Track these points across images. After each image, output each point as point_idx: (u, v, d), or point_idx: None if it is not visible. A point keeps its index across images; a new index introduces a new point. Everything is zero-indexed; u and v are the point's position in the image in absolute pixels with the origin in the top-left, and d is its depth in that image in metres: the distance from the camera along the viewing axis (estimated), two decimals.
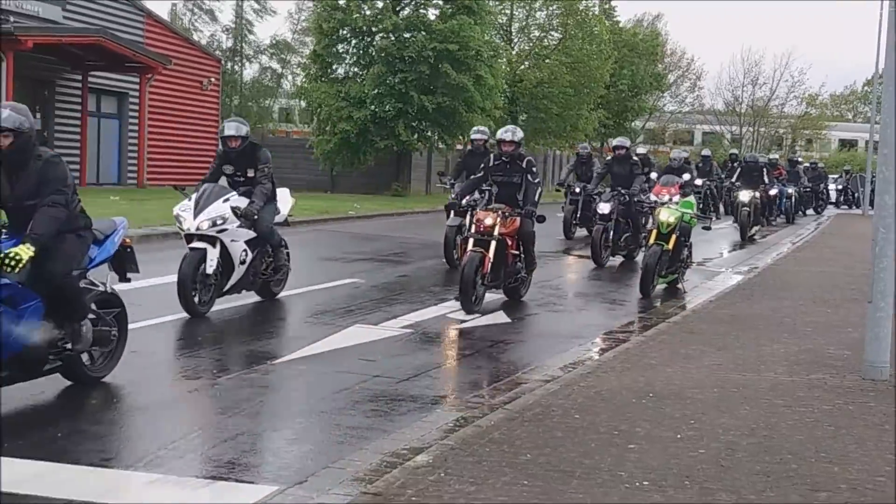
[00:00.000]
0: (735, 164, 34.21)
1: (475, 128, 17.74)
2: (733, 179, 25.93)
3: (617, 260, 17.19)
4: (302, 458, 6.01)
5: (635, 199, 16.59)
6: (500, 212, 11.52)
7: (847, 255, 19.30)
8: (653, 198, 19.54)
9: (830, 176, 45.27)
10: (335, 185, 37.53)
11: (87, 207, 7.23)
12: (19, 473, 5.40)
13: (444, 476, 5.34)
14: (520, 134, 12.14)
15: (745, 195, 23.44)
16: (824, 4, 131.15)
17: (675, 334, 10.11)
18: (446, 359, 9.03)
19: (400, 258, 16.78)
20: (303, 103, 40.86)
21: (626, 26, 60.20)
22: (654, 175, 23.84)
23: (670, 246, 13.47)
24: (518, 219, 11.71)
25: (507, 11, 47.23)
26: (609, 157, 18.44)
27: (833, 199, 44.58)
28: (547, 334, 10.75)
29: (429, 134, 36.33)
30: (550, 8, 47.42)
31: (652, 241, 13.55)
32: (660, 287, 13.72)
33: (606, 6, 55.11)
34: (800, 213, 35.14)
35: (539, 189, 12.13)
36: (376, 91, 34.07)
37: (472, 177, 13.06)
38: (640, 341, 9.79)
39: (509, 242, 11.60)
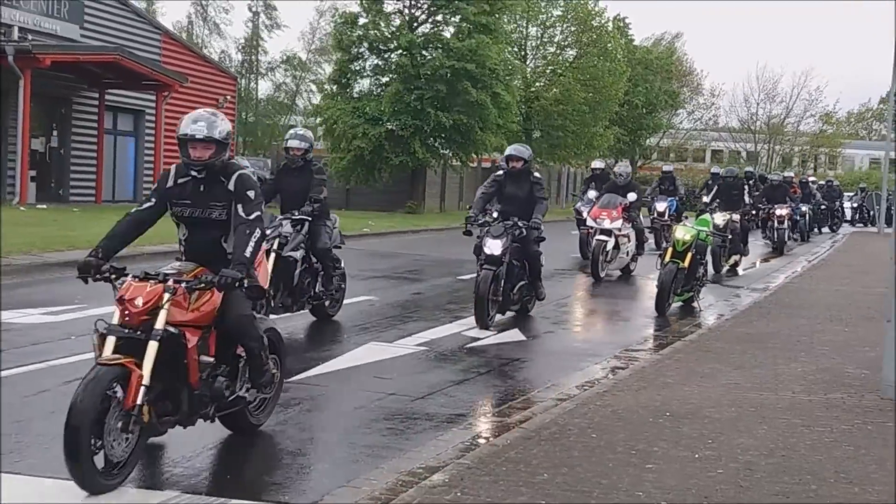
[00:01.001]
0: (752, 183, 34.13)
1: (291, 131, 11.86)
2: (707, 199, 20.73)
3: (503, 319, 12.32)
4: (317, 476, 6.00)
5: (536, 234, 12.10)
6: (171, 281, 5.88)
7: (863, 274, 19.20)
8: (590, 223, 17.63)
9: (846, 194, 45.21)
10: (350, 202, 37.59)
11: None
12: (30, 491, 5.40)
13: (460, 495, 5.31)
14: (222, 126, 6.29)
15: (719, 218, 18.54)
16: (841, 22, 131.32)
17: (691, 353, 10.06)
18: (462, 377, 9.02)
19: (415, 276, 16.77)
20: (318, 120, 41.02)
21: (642, 45, 60.33)
22: (592, 194, 20.27)
23: (686, 264, 13.43)
24: (213, 294, 6.10)
25: (523, 29, 47.34)
26: (500, 174, 12.58)
27: (848, 217, 44.50)
28: (562, 352, 10.71)
29: (443, 151, 36.41)
30: (565, 24, 47.54)
31: (668, 259, 13.50)
32: (675, 305, 13.67)
33: (620, 23, 55.23)
34: (815, 231, 34.91)
35: (258, 232, 6.19)
36: (393, 108, 34.16)
37: (136, 210, 6.60)
38: (655, 359, 9.75)
39: (191, 341, 5.94)
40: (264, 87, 66.97)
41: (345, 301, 12.05)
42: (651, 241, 21.12)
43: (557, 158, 47.53)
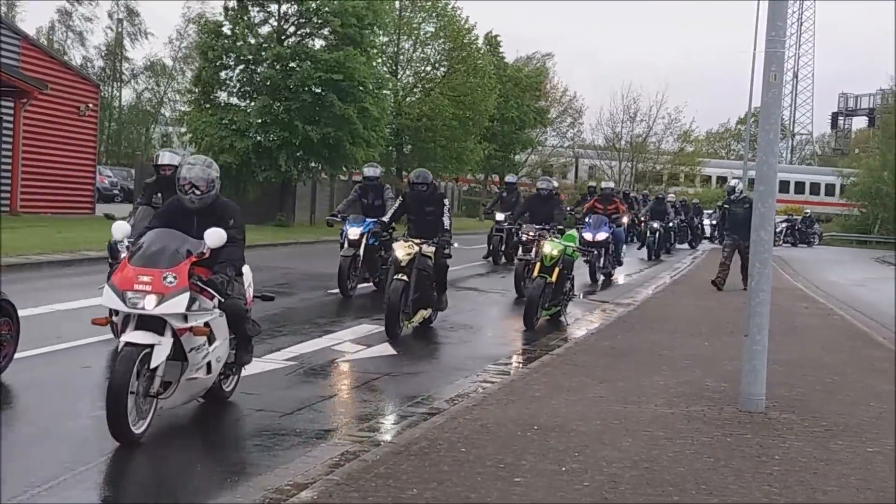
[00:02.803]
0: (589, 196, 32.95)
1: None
2: (386, 219, 14.15)
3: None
4: (181, 495, 5.86)
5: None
6: None
7: (724, 291, 19.81)
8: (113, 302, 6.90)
9: (705, 211, 46.74)
10: None
11: None
12: None
13: None
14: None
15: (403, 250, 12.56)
16: (700, 44, 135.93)
17: (558, 366, 10.21)
18: (331, 392, 8.94)
19: (284, 289, 16.56)
20: (183, 129, 40.32)
21: (514, 63, 61.30)
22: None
23: (553, 278, 13.64)
24: None
25: (395, 44, 47.52)
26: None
27: (708, 234, 46.00)
28: (432, 366, 10.73)
29: (312, 164, 36.16)
30: (438, 41, 47.91)
31: (536, 273, 13.69)
32: (543, 319, 13.86)
33: (493, 40, 56.04)
34: (668, 247, 33.96)
35: None
36: (261, 120, 33.79)
37: None
38: (524, 373, 9.86)
39: None
40: (128, 96, 65.65)
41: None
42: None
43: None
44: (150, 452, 6.68)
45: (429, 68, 48.39)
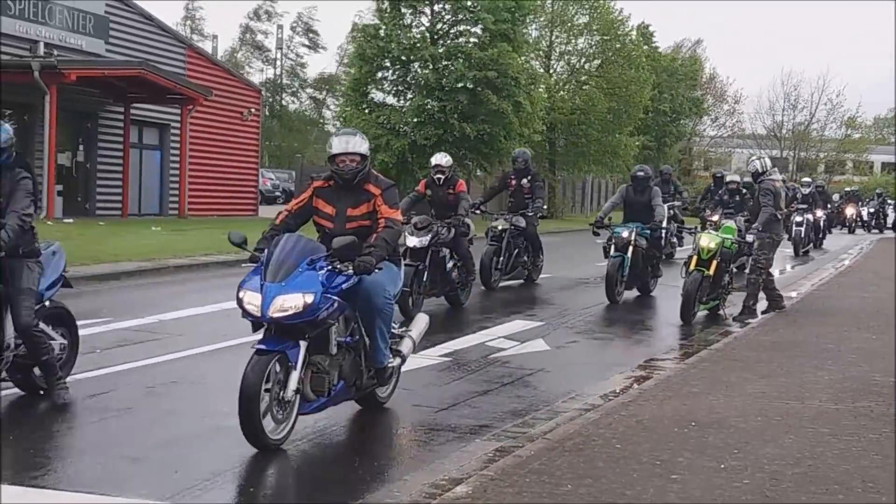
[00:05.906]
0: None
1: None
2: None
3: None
4: (338, 489, 5.98)
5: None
6: None
7: (890, 281, 19.02)
8: None
9: (890, 201, 45.28)
10: None
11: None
12: None
13: None
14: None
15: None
16: (867, 25, 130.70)
17: (717, 361, 9.99)
18: (485, 387, 8.98)
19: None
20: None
21: (665, 52, 60.33)
22: None
23: (711, 272, 13.34)
24: None
25: (548, 38, 47.35)
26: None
27: (890, 224, 44.38)
28: (586, 362, 10.66)
29: (467, 161, 36.44)
30: (592, 31, 47.50)
31: (693, 267, 13.41)
32: (701, 314, 13.58)
33: (645, 31, 55.26)
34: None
35: None
36: (416, 119, 34.23)
37: None
38: (681, 369, 9.69)
39: None
40: (295, 102, 67.81)
41: None
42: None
43: (578, 167, 47.61)
44: (309, 448, 6.85)
45: (582, 60, 48.03)
